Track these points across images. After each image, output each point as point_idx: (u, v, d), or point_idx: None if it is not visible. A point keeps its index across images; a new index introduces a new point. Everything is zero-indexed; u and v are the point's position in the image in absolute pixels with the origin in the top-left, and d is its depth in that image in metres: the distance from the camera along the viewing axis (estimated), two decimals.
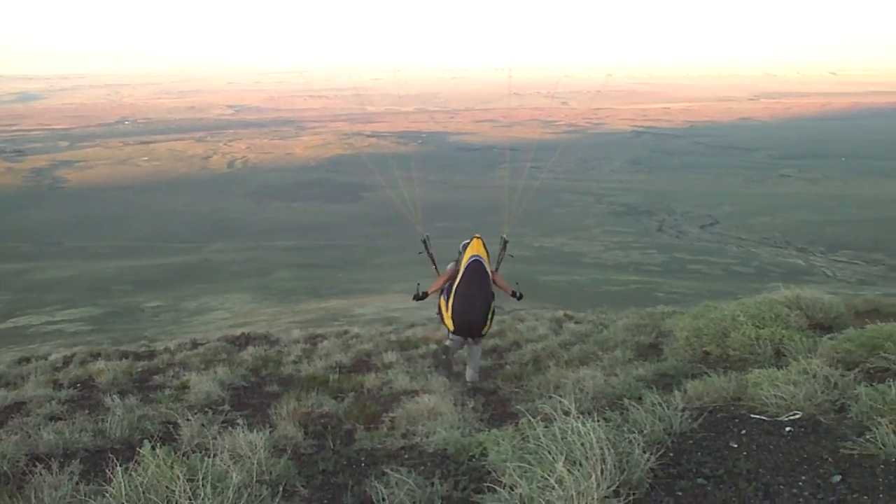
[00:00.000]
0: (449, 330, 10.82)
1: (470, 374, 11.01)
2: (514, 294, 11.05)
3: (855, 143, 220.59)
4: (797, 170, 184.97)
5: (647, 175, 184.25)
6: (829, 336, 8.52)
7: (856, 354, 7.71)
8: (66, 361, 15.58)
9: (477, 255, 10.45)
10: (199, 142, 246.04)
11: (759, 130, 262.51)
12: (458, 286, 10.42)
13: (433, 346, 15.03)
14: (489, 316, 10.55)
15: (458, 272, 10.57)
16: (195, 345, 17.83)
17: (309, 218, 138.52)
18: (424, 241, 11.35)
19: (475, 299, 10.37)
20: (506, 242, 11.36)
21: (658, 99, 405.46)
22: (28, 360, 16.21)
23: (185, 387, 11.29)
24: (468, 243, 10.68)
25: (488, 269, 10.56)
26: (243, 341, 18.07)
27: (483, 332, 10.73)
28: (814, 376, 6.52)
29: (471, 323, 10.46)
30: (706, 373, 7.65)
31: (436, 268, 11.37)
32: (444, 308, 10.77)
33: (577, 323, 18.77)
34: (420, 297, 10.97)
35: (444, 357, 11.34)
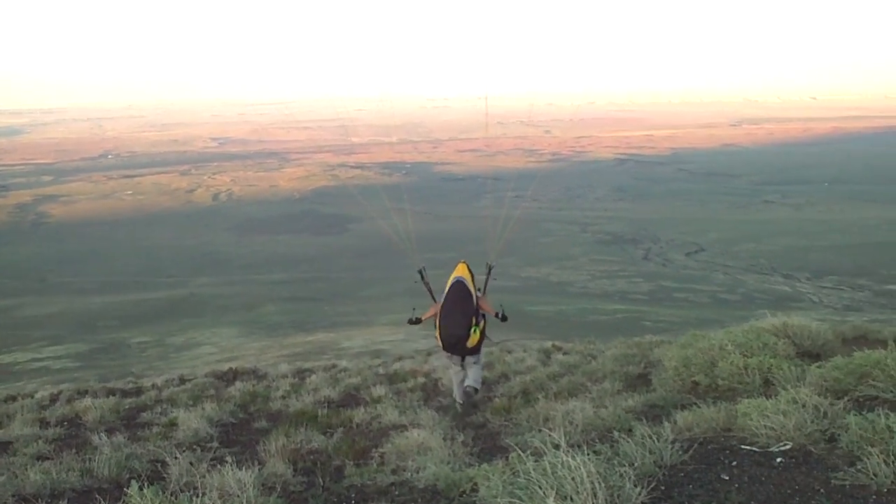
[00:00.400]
0: (440, 347, 11.45)
1: (470, 378, 11.39)
2: (497, 315, 11.42)
3: (837, 168, 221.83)
4: (781, 195, 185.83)
5: (631, 203, 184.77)
6: (817, 364, 8.53)
7: (844, 383, 7.72)
8: (53, 399, 15.49)
9: (459, 277, 11.21)
10: (184, 175, 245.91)
11: (742, 156, 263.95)
12: (443, 305, 11.13)
13: (421, 380, 15.02)
14: (474, 331, 11.01)
15: (444, 294, 11.22)
16: (182, 381, 17.76)
17: (295, 250, 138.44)
18: (421, 272, 11.85)
19: (457, 315, 10.95)
20: (490, 268, 11.96)
21: (640, 126, 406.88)
22: (14, 398, 16.11)
23: (172, 424, 11.24)
24: (456, 274, 11.34)
25: (471, 289, 11.16)
26: (231, 376, 17.99)
27: (470, 346, 11.11)
28: (803, 406, 6.52)
29: (454, 337, 11.01)
30: (695, 403, 7.65)
31: (432, 297, 11.85)
32: (436, 329, 11.25)
33: (565, 354, 18.74)
34: (414, 321, 11.73)
35: (463, 388, 11.58)
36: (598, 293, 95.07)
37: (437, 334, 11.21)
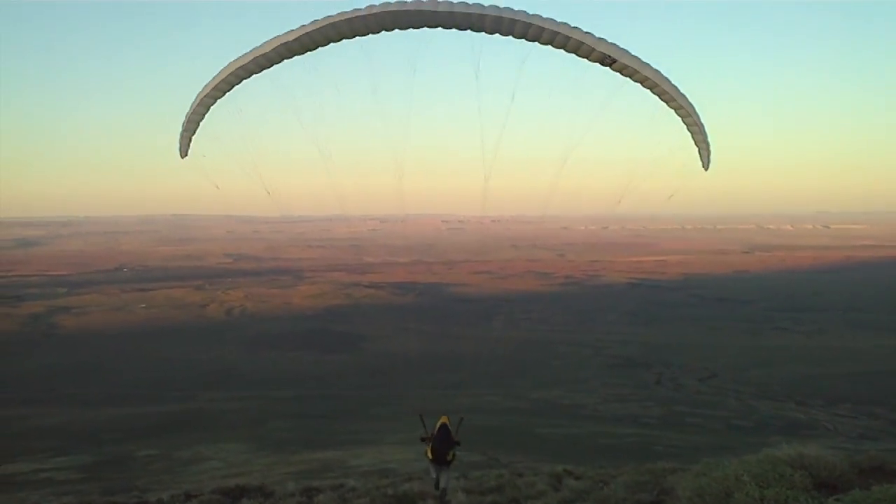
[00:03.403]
0: (430, 460, 18.48)
1: (443, 482, 18.76)
2: (456, 442, 18.76)
3: (850, 296, 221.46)
4: (793, 322, 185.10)
5: (643, 327, 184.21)
6: (834, 497, 8.39)
7: None
8: None
9: (444, 423, 18.56)
10: (198, 290, 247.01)
11: (754, 283, 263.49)
12: (436, 437, 18.38)
13: (431, 502, 14.90)
14: (450, 453, 18.28)
15: (435, 431, 18.64)
16: (188, 497, 17.54)
17: (305, 367, 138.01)
18: (420, 416, 19.50)
19: (442, 444, 18.21)
20: (461, 419, 19.25)
21: (653, 251, 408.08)
22: None
23: None
24: (441, 420, 18.85)
25: (450, 430, 18.48)
26: (237, 493, 17.76)
27: (448, 460, 18.34)
28: None
29: (442, 455, 18.23)
30: None
31: (425, 429, 19.00)
32: (428, 450, 18.56)
33: (576, 479, 18.53)
34: (424, 439, 18.98)
35: (435, 484, 18.97)
36: (609, 417, 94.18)
37: (431, 454, 18.39)
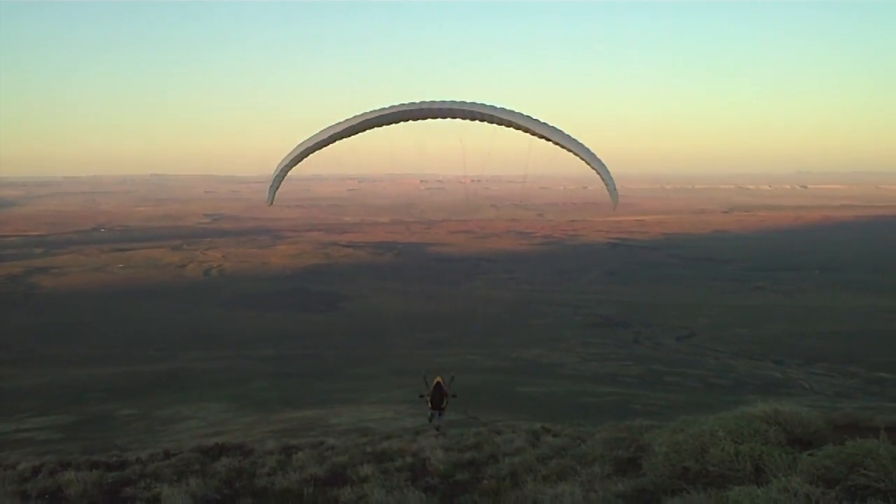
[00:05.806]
0: (429, 407, 22.48)
1: (436, 422, 22.59)
2: (453, 395, 22.85)
3: (828, 255, 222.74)
4: (771, 282, 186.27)
5: (622, 287, 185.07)
6: (808, 452, 8.46)
7: (836, 471, 7.65)
8: (35, 471, 15.25)
9: (438, 380, 22.58)
10: (176, 250, 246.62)
11: (733, 242, 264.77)
12: (433, 392, 22.37)
13: (409, 460, 14.89)
14: (444, 402, 22.35)
15: (432, 387, 22.49)
16: (168, 455, 17.51)
17: (284, 327, 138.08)
18: (423, 376, 23.19)
19: (438, 396, 22.25)
20: (452, 377, 23.17)
21: (633, 211, 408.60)
22: None
23: (156, 499, 11.05)
24: (436, 379, 22.78)
25: (444, 386, 22.51)
26: (217, 451, 17.75)
27: (442, 407, 22.40)
28: (794, 494, 6.45)
29: (435, 403, 22.28)
30: (686, 489, 7.58)
31: (427, 387, 22.70)
32: (428, 401, 22.45)
33: (554, 436, 18.61)
34: (423, 396, 22.76)
35: (434, 424, 22.71)
36: (589, 375, 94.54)
37: (430, 403, 22.37)
